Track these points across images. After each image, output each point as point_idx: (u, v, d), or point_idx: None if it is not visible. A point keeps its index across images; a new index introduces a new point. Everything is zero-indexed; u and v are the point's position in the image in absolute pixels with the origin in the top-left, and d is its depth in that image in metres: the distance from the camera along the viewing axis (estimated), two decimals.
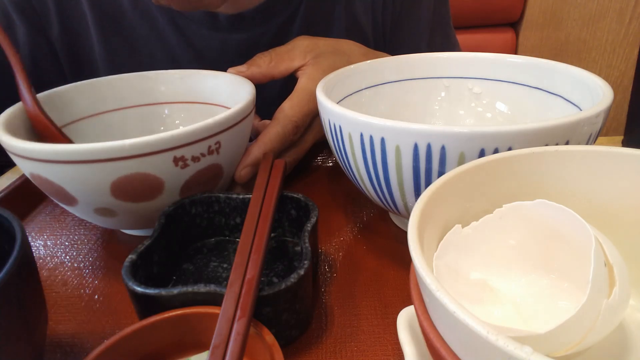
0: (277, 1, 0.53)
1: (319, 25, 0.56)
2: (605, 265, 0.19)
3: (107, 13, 0.53)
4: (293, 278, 0.26)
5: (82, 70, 0.55)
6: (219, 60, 0.47)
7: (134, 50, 0.54)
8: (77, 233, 0.41)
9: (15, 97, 0.38)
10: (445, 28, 0.66)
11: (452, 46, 0.67)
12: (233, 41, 0.54)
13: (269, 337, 0.24)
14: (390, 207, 0.34)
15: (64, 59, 0.55)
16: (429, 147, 0.27)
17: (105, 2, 0.52)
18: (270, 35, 0.54)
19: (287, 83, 0.46)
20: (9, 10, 0.51)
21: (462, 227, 0.23)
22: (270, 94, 0.56)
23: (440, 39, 0.64)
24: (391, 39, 0.62)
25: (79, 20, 0.53)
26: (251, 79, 0.44)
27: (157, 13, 0.53)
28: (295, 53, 0.46)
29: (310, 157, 0.52)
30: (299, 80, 0.44)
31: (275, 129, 0.41)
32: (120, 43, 0.54)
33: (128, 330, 0.25)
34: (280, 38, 0.48)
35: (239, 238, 0.31)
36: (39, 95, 0.40)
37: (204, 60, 0.55)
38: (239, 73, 0.44)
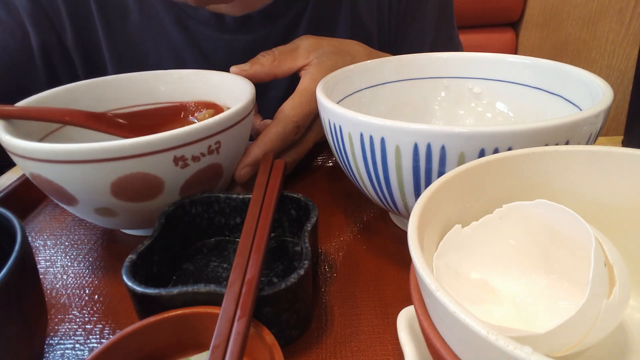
0: (283, 2, 0.53)
1: (324, 27, 0.56)
2: (605, 265, 0.19)
3: (112, 16, 0.53)
4: (293, 278, 0.26)
5: (95, 74, 0.55)
6: (225, 61, 0.47)
7: (141, 53, 0.54)
8: (77, 233, 0.41)
9: (14, 98, 0.38)
10: (449, 30, 0.66)
11: (456, 47, 0.67)
12: (239, 42, 0.54)
13: (269, 337, 0.24)
14: (390, 207, 0.34)
15: (79, 65, 0.55)
16: (429, 147, 0.27)
17: (111, 5, 0.52)
18: (276, 36, 0.54)
19: (291, 83, 0.46)
20: (23, 19, 0.52)
21: (462, 227, 0.23)
22: (274, 94, 0.56)
23: (444, 40, 0.64)
24: (395, 40, 0.62)
25: (89, 25, 0.53)
26: (254, 77, 0.44)
27: (164, 15, 0.53)
28: (299, 52, 0.46)
29: (311, 157, 0.52)
30: (301, 80, 0.44)
31: (275, 129, 0.41)
32: (127, 46, 0.54)
33: (128, 330, 0.25)
34: (286, 39, 0.48)
35: (239, 238, 0.31)
36: (38, 96, 0.40)
37: (210, 61, 0.55)
38: (241, 72, 0.44)
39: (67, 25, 0.53)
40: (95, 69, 0.55)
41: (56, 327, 0.31)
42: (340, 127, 0.32)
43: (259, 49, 0.46)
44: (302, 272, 0.26)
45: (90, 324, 0.31)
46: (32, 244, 0.40)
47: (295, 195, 0.34)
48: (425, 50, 0.61)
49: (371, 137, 0.29)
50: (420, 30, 0.63)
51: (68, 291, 0.34)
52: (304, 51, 0.46)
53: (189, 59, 0.55)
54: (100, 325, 0.31)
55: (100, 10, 0.52)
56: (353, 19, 0.57)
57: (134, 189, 0.32)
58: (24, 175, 0.46)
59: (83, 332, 0.30)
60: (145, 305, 0.27)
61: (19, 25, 0.52)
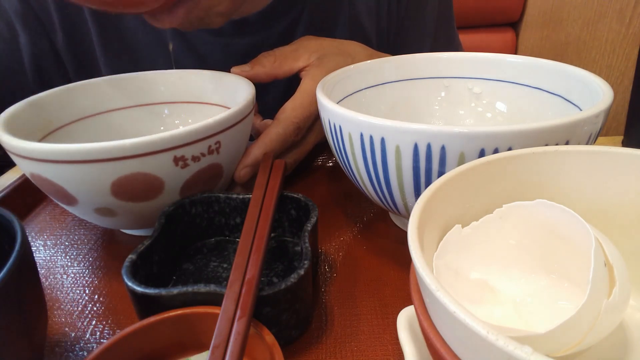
0: (280, 6, 0.53)
1: (322, 30, 0.56)
2: (605, 265, 0.19)
3: (107, 19, 0.53)
4: (293, 278, 0.26)
5: (88, 76, 0.55)
6: (221, 65, 0.47)
7: (136, 55, 0.54)
8: (77, 233, 0.41)
9: (14, 97, 0.38)
10: (449, 31, 0.66)
11: (455, 49, 0.67)
12: (236, 46, 0.54)
13: (269, 337, 0.24)
14: (390, 207, 0.34)
15: (69, 65, 0.55)
16: (429, 147, 0.27)
17: None
18: (273, 39, 0.54)
19: (291, 83, 0.46)
20: (12, 20, 0.51)
21: (462, 227, 0.23)
22: (275, 94, 0.56)
23: (444, 42, 0.64)
24: (395, 42, 0.62)
25: (82, 27, 0.53)
26: (255, 78, 0.44)
27: None
28: (300, 53, 0.46)
29: (311, 157, 0.52)
30: (302, 81, 0.44)
31: (276, 130, 0.41)
32: (122, 49, 0.54)
33: (128, 330, 0.25)
34: (283, 43, 0.48)
35: (239, 238, 0.31)
36: (38, 96, 0.40)
37: (206, 65, 0.54)
38: (242, 72, 0.44)
39: (57, 27, 0.52)
40: (87, 72, 0.55)
41: (56, 327, 0.31)
42: (340, 127, 0.32)
43: (256, 53, 0.46)
44: (302, 272, 0.26)
45: (91, 324, 0.31)
46: (32, 244, 0.40)
47: (295, 195, 0.34)
48: (424, 52, 0.61)
49: (371, 137, 0.29)
50: (419, 33, 0.62)
51: (68, 291, 0.34)
52: (305, 52, 0.45)
53: (186, 63, 0.54)
54: (101, 325, 0.31)
55: (94, 14, 0.52)
56: (351, 22, 0.57)
57: (134, 189, 0.32)
58: (24, 175, 0.46)
59: (83, 332, 0.30)
60: (145, 305, 0.27)
61: (8, 26, 0.52)
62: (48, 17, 0.52)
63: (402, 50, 0.61)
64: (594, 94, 0.32)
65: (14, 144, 0.31)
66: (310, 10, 0.55)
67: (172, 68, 0.53)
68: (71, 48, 0.54)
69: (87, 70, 0.55)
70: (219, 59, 0.54)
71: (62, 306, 0.33)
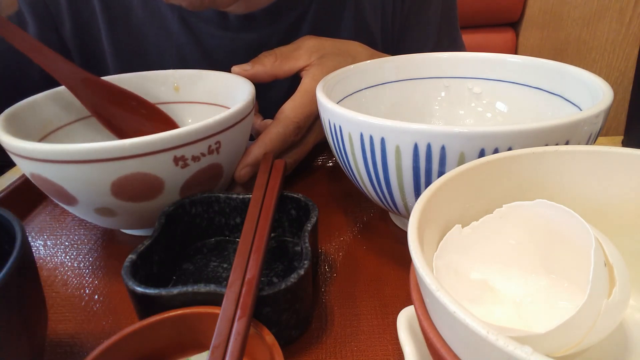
0: (287, 1, 0.53)
1: (328, 27, 0.56)
2: (605, 265, 0.19)
3: (116, 10, 0.53)
4: (293, 278, 0.26)
5: (93, 67, 0.55)
6: (227, 59, 0.47)
7: (143, 48, 0.54)
8: (77, 233, 0.41)
9: (14, 97, 0.38)
10: (453, 31, 0.66)
11: (459, 49, 0.67)
12: (242, 41, 0.54)
13: (269, 337, 0.24)
14: (390, 207, 0.34)
15: (75, 56, 0.55)
16: (429, 147, 0.27)
17: (115, 0, 0.52)
18: (279, 35, 0.54)
19: (292, 83, 0.46)
20: (21, 8, 0.52)
21: (462, 227, 0.23)
22: (276, 94, 0.56)
23: (447, 42, 0.64)
24: (399, 41, 0.62)
25: (90, 18, 0.53)
26: (255, 77, 0.44)
27: (167, 11, 0.53)
28: (301, 53, 0.45)
29: (311, 157, 0.52)
30: (302, 81, 0.44)
31: (276, 130, 0.41)
32: (129, 41, 0.54)
33: (128, 330, 0.25)
34: (289, 38, 0.48)
35: (239, 238, 0.31)
36: (39, 96, 0.40)
37: (212, 59, 0.54)
38: (243, 71, 0.44)
39: (65, 16, 0.53)
40: (92, 63, 0.55)
41: (56, 327, 0.31)
42: (340, 127, 0.32)
43: (262, 48, 0.46)
44: (302, 272, 0.26)
45: (90, 324, 0.31)
46: (32, 244, 0.40)
47: (295, 195, 0.34)
48: (426, 52, 0.61)
49: (371, 137, 0.29)
50: (423, 33, 0.62)
51: (68, 291, 0.34)
52: (305, 52, 0.45)
53: (191, 56, 0.54)
54: (101, 326, 0.31)
55: (103, 4, 0.52)
56: (357, 19, 0.57)
57: (134, 189, 0.32)
58: (24, 175, 0.46)
59: (83, 332, 0.30)
60: (145, 305, 0.27)
61: (17, 16, 0.52)
62: (56, 5, 0.52)
63: (405, 49, 0.61)
64: (594, 94, 0.32)
65: (14, 144, 0.31)
66: (316, 7, 0.55)
67: (178, 61, 0.53)
68: (78, 38, 0.54)
69: (93, 61, 0.55)
70: (225, 53, 0.54)
71: (62, 306, 0.33)
